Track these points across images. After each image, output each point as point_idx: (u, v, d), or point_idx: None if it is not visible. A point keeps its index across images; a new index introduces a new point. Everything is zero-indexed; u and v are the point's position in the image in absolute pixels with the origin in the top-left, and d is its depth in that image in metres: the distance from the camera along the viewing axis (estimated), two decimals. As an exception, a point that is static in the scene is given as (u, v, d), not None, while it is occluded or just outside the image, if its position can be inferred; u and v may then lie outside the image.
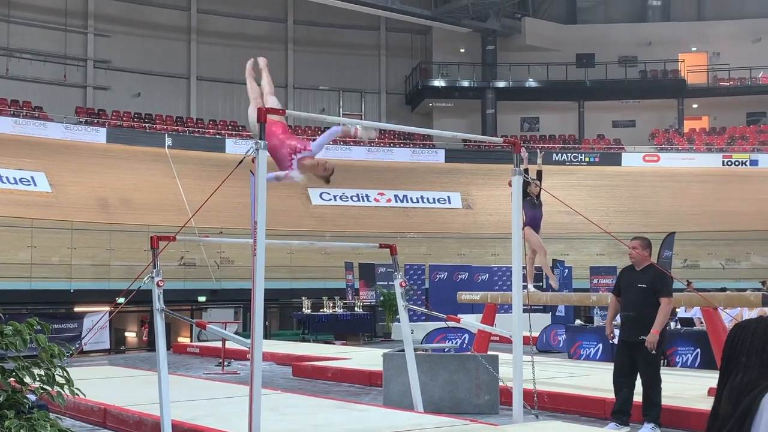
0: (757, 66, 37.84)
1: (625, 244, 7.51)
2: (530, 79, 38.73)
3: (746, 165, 35.30)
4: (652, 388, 7.29)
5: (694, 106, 39.52)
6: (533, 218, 11.22)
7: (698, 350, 12.46)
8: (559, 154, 35.82)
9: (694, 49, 39.53)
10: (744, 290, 13.92)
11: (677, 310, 13.92)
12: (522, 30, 38.89)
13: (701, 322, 11.95)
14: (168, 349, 10.56)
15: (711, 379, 7.62)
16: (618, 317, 7.89)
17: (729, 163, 35.52)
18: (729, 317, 10.70)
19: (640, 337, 7.17)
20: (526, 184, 11.10)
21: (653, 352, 7.18)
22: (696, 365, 12.42)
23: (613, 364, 7.78)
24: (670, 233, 21.91)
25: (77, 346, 13.78)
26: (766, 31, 38.28)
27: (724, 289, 16.12)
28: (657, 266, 7.77)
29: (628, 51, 39.27)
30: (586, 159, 35.82)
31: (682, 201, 32.10)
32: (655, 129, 38.28)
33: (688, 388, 9.33)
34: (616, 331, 7.94)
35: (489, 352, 10.20)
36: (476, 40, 39.17)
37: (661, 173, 34.74)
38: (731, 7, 39.24)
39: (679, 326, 13.64)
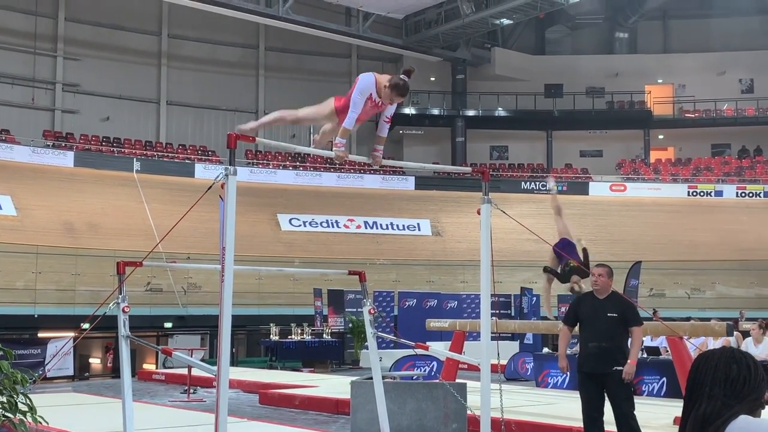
0: (721, 98, 38.53)
1: (591, 272, 7.48)
2: (499, 108, 39.09)
3: (711, 196, 35.80)
4: (633, 418, 6.96)
5: (660, 137, 40.09)
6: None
7: (664, 379, 12.55)
8: (528, 183, 36.11)
9: (660, 81, 40.17)
10: (709, 319, 14.07)
11: (643, 339, 14.01)
12: (491, 60, 39.32)
13: (667, 351, 12.05)
14: (133, 375, 10.43)
15: (677, 408, 7.65)
16: (576, 347, 7.61)
17: (694, 193, 36.00)
18: (693, 347, 10.79)
19: (614, 368, 6.85)
20: (566, 278, 10.67)
21: (626, 382, 6.90)
22: (662, 394, 12.50)
23: (577, 392, 7.57)
24: (636, 262, 22.17)
25: (40, 372, 13.58)
26: (730, 65, 39.03)
27: (689, 319, 16.28)
28: (622, 294, 7.54)
29: (596, 82, 39.80)
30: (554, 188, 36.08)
31: (649, 230, 32.44)
32: (621, 159, 38.76)
33: (654, 417, 9.37)
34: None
35: (457, 380, 10.19)
36: (446, 69, 39.49)
37: (628, 203, 35.11)
38: (697, 40, 39.98)
39: (645, 355, 13.73)
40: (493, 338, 7.36)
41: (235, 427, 8.34)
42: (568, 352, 7.85)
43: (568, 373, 14.03)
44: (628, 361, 6.88)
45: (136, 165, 31.33)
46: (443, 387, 8.93)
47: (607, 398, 7.09)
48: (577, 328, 7.49)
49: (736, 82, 39.73)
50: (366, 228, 31.61)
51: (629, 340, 7.17)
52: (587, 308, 7.20)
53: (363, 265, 22.05)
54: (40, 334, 20.97)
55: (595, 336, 7.06)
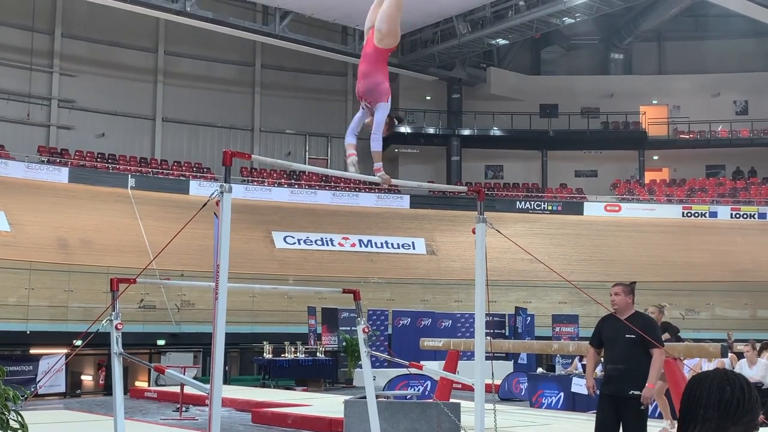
0: (716, 120, 38.70)
1: (585, 292, 7.44)
2: (495, 128, 39.21)
3: (705, 217, 35.87)
4: None
5: (655, 157, 40.22)
6: None
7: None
8: (522, 203, 36.18)
9: (655, 102, 40.36)
10: (704, 341, 14.06)
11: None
12: (487, 79, 39.49)
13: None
14: (125, 393, 10.37)
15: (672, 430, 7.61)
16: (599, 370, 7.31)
17: (689, 214, 36.07)
18: (688, 368, 10.77)
19: (631, 392, 6.55)
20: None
21: (643, 407, 6.58)
22: (656, 415, 12.45)
23: (571, 412, 7.55)
24: (631, 283, 22.14)
25: (32, 389, 13.50)
26: (725, 86, 39.22)
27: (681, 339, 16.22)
28: (644, 314, 7.28)
29: (591, 102, 39.96)
30: (549, 207, 36.20)
31: (643, 251, 32.47)
32: (616, 179, 38.86)
33: (648, 438, 9.33)
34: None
35: (451, 400, 10.16)
36: (442, 88, 39.63)
37: (623, 223, 35.17)
38: (691, 62, 40.20)
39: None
40: (487, 358, 7.35)
41: (227, 446, 8.28)
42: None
43: (563, 393, 14.04)
44: (646, 384, 6.55)
45: (131, 181, 31.30)
46: (437, 407, 8.90)
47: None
48: None
49: (731, 104, 39.92)
50: (360, 246, 31.59)
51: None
52: (609, 329, 6.92)
53: (357, 284, 22.02)
54: (32, 351, 20.90)
55: (614, 358, 6.83)
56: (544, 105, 39.67)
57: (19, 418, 4.20)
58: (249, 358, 24.16)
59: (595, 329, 7.19)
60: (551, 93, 39.61)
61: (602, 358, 7.39)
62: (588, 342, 7.38)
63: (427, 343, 12.56)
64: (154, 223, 27.69)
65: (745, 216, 35.82)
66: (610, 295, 6.94)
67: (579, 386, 12.87)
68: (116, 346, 6.53)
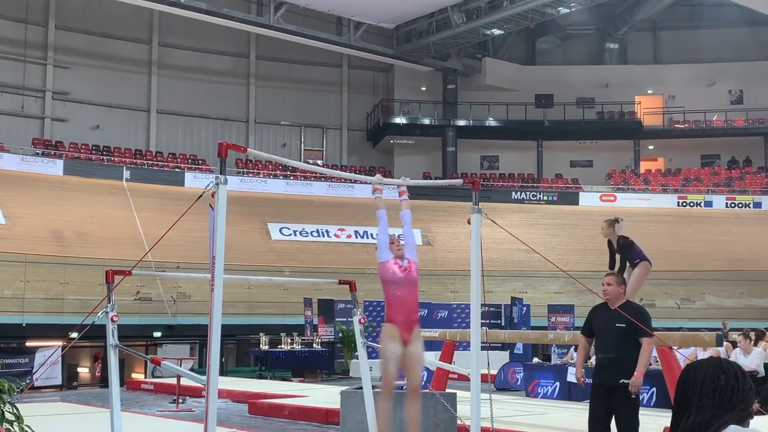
0: (711, 109, 38.71)
1: (581, 282, 7.46)
2: (490, 118, 39.17)
3: (701, 206, 35.91)
4: None
5: (650, 147, 40.23)
6: None
7: (654, 389, 12.55)
8: (518, 193, 36.20)
9: (650, 91, 40.34)
10: (699, 330, 14.09)
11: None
12: (482, 70, 39.43)
13: (657, 361, 12.08)
14: (121, 385, 10.39)
15: (666, 417, 7.63)
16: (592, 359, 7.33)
17: (684, 204, 36.12)
18: (683, 357, 10.80)
19: (621, 381, 6.61)
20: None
21: (633, 396, 6.64)
22: (652, 404, 12.50)
23: (567, 402, 7.58)
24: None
25: (28, 381, 13.49)
26: (720, 76, 39.23)
27: (679, 329, 16.28)
28: (635, 304, 7.33)
29: (586, 92, 39.92)
30: (545, 198, 36.21)
31: (639, 240, 32.12)
32: (611, 169, 38.87)
33: (644, 427, 9.33)
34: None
35: (447, 390, 10.17)
36: (437, 78, 39.57)
37: (618, 213, 35.09)
38: (686, 51, 40.18)
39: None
40: (483, 348, 7.35)
41: (224, 437, 8.29)
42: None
43: (558, 383, 14.08)
44: (635, 373, 6.61)
45: (126, 173, 31.25)
46: (433, 397, 8.92)
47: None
48: None
49: (726, 93, 39.92)
50: (356, 237, 31.59)
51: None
52: (600, 318, 6.98)
53: (353, 275, 21.94)
54: (28, 343, 20.88)
55: (604, 347, 6.88)
56: (540, 95, 39.64)
57: (15, 410, 4.20)
58: (245, 350, 24.17)
59: (586, 318, 7.24)
60: (546, 83, 39.57)
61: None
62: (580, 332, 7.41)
63: (423, 333, 12.55)
64: (149, 215, 27.65)
65: (740, 205, 35.88)
66: (602, 284, 6.97)
67: (575, 376, 12.90)
68: (112, 338, 6.53)
